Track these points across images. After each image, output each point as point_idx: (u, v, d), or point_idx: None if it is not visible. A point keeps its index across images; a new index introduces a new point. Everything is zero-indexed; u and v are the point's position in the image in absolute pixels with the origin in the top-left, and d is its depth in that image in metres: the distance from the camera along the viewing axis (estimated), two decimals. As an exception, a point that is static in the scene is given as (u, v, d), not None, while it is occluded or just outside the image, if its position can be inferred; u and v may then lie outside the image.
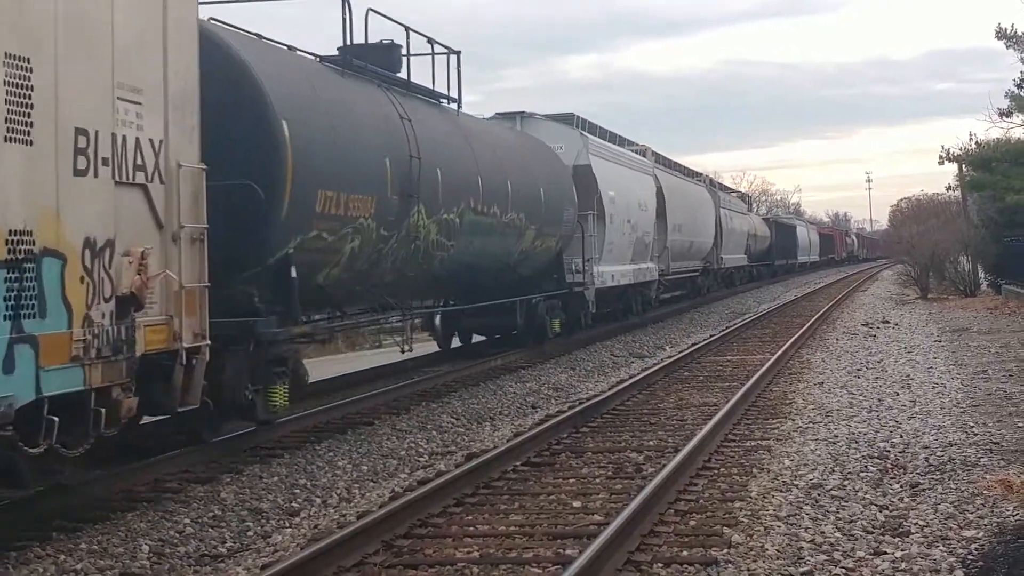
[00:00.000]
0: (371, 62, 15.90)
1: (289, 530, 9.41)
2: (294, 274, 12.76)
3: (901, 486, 9.69)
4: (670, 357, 21.53)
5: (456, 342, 23.39)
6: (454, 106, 19.11)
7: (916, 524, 8.43)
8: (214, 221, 10.27)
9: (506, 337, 22.72)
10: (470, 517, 9.23)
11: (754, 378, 16.62)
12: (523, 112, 25.26)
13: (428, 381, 17.54)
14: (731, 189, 64.85)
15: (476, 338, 24.16)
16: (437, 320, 22.29)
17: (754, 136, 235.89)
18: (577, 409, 14.27)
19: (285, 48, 14.59)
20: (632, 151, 32.88)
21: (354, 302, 16.23)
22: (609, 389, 16.67)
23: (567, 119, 26.86)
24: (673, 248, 35.27)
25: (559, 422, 13.26)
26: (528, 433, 12.56)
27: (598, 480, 10.57)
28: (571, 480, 10.60)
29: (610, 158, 28.06)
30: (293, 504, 10.25)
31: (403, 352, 17.63)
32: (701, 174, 49.81)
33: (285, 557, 7.99)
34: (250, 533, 9.32)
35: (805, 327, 26.65)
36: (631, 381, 17.30)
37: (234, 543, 9.02)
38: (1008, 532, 8.02)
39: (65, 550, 8.45)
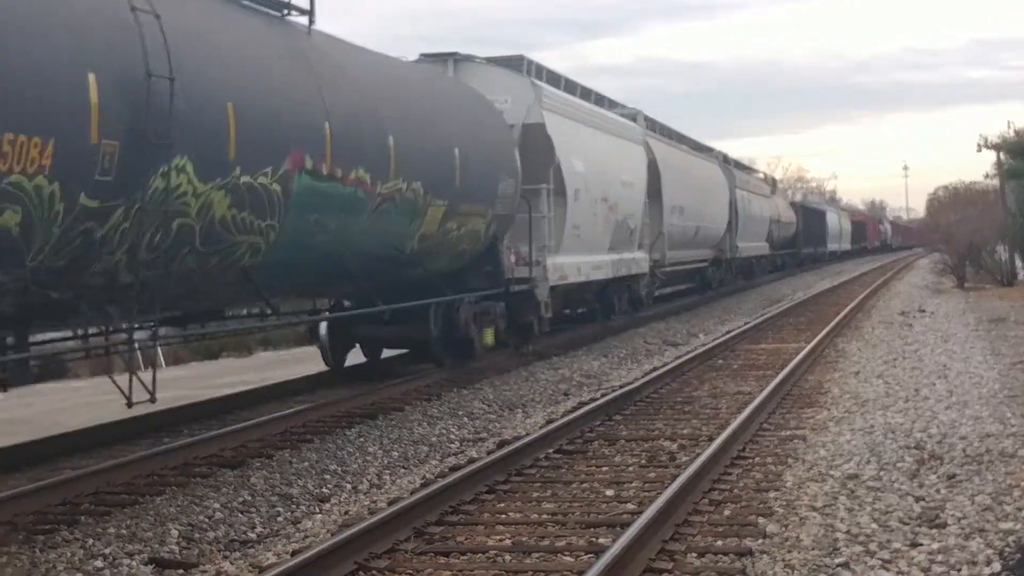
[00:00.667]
0: None
1: (319, 516, 9.38)
2: None
3: (938, 477, 9.55)
4: (704, 345, 21.39)
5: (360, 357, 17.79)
6: (304, 20, 13.08)
7: (953, 516, 8.30)
8: None
9: (423, 352, 17.31)
10: (502, 504, 9.16)
11: (789, 367, 16.48)
12: (456, 53, 19.52)
13: (458, 368, 17.45)
14: (751, 168, 56.15)
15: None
16: (323, 329, 16.83)
17: (787, 122, 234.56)
18: (610, 397, 14.18)
19: None
20: (619, 114, 26.81)
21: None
22: (642, 377, 16.57)
23: (513, 63, 20.54)
24: (672, 235, 29.78)
25: (592, 410, 13.18)
26: (560, 420, 12.48)
27: (631, 468, 10.48)
28: (604, 468, 10.52)
29: (577, 117, 22.02)
30: (323, 490, 10.21)
31: (129, 405, 10.03)
32: (713, 149, 42.12)
33: (316, 543, 7.94)
34: (280, 519, 9.29)
35: (841, 316, 26.44)
36: (664, 369, 17.19)
37: (264, 528, 8.99)
38: (1048, 525, 7.89)
39: (94, 534, 8.44)
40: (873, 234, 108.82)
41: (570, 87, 23.19)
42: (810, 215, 67.19)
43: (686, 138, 37.10)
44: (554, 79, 22.20)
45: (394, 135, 13.77)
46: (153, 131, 9.35)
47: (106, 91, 8.91)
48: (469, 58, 19.63)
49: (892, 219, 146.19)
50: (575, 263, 21.06)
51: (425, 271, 15.99)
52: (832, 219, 77.11)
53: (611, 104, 26.88)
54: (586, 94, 24.51)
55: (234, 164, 10.62)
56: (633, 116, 28.23)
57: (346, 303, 17.10)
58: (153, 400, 10.16)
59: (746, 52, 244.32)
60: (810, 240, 65.29)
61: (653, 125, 31.60)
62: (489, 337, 17.59)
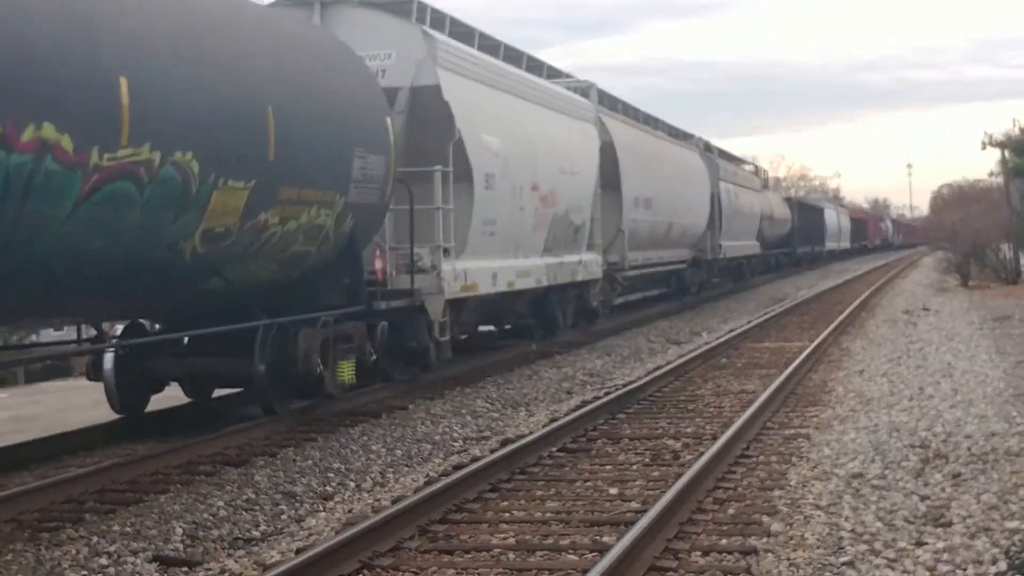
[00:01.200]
0: None
1: (323, 514, 9.37)
2: None
3: (943, 476, 9.53)
4: (707, 343, 21.38)
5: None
6: None
7: (958, 515, 8.28)
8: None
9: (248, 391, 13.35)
10: (506, 503, 9.16)
11: (793, 365, 16.47)
12: None
13: (461, 365, 17.43)
14: (739, 159, 47.94)
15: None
16: (108, 362, 12.35)
17: (790, 121, 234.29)
18: (613, 395, 14.17)
19: None
20: (565, 86, 21.77)
21: None
22: (646, 375, 16.56)
23: (399, 8, 15.67)
24: (635, 232, 25.42)
25: (595, 408, 13.17)
26: (564, 419, 12.47)
27: (635, 467, 10.47)
28: (608, 467, 10.51)
29: (493, 82, 17.17)
30: (327, 488, 10.21)
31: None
32: (693, 135, 36.41)
33: (320, 541, 7.94)
34: (284, 517, 9.29)
35: (844, 314, 26.42)
36: (668, 367, 17.18)
37: (268, 527, 8.99)
38: (1053, 524, 7.87)
39: (98, 532, 8.43)
40: (874, 232, 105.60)
41: (490, 47, 18.32)
42: (806, 212, 63.12)
43: (660, 121, 31.69)
44: (465, 33, 17.39)
45: (130, 76, 8.84)
46: None
47: None
48: (341, 0, 15.34)
49: (895, 217, 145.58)
50: (489, 269, 16.54)
51: (230, 283, 11.34)
52: (830, 216, 73.21)
53: (555, 74, 21.88)
54: (516, 57, 19.46)
55: None
56: (585, 90, 23.08)
57: (156, 326, 12.98)
58: None
59: (747, 50, 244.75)
60: (807, 238, 61.34)
61: (613, 103, 26.28)
62: (347, 372, 13.02)
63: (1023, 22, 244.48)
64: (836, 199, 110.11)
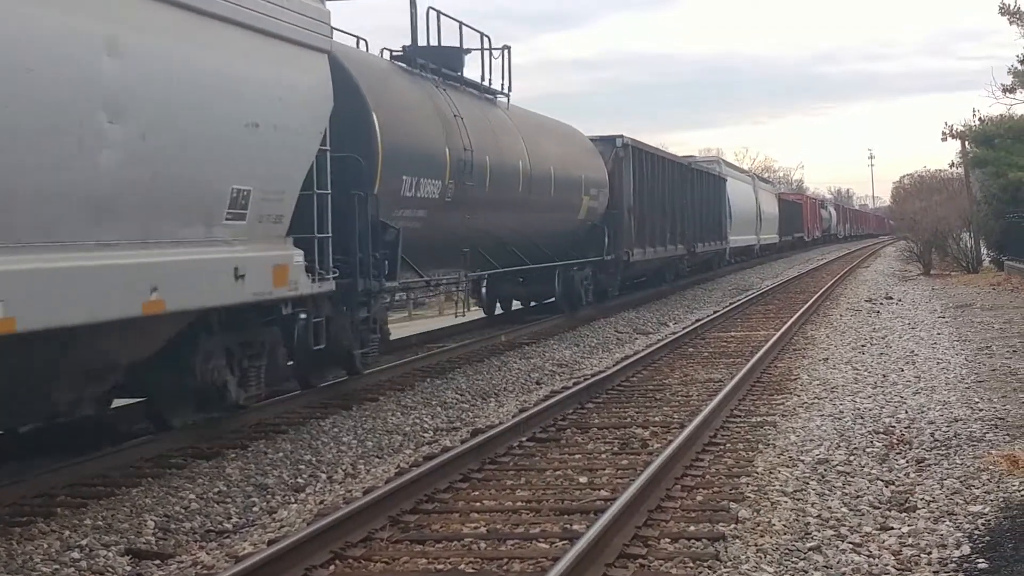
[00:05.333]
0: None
1: (295, 506, 9.41)
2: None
3: (907, 461, 9.68)
4: (674, 333, 21.51)
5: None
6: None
7: (922, 499, 8.42)
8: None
9: None
10: (476, 493, 9.23)
11: (759, 354, 16.61)
12: None
13: (432, 357, 17.50)
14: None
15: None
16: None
17: (751, 113, 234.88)
18: (582, 385, 14.26)
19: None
20: None
21: None
22: (614, 365, 16.66)
23: None
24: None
25: (564, 398, 13.25)
26: (533, 409, 12.55)
27: (604, 456, 10.56)
28: (577, 456, 10.59)
29: None
30: (298, 480, 10.25)
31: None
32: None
33: (291, 532, 7.98)
34: (256, 509, 9.32)
35: (808, 303, 26.62)
36: (635, 357, 17.29)
37: (240, 519, 9.03)
38: (1015, 507, 8.02)
39: (70, 526, 8.44)
40: (812, 221, 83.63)
41: None
42: (687, 180, 35.64)
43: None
44: None
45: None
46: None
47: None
48: None
49: (833, 201, 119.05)
50: None
51: None
52: (740, 193, 48.58)
53: None
54: None
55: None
56: None
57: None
58: None
59: (707, 43, 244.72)
60: (688, 228, 34.93)
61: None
62: None
63: (976, 15, 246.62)
64: (800, 190, 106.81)
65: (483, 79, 20.30)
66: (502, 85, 20.98)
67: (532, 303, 26.03)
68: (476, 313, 24.62)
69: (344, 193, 12.96)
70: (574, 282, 24.44)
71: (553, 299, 24.40)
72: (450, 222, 17.21)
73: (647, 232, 29.58)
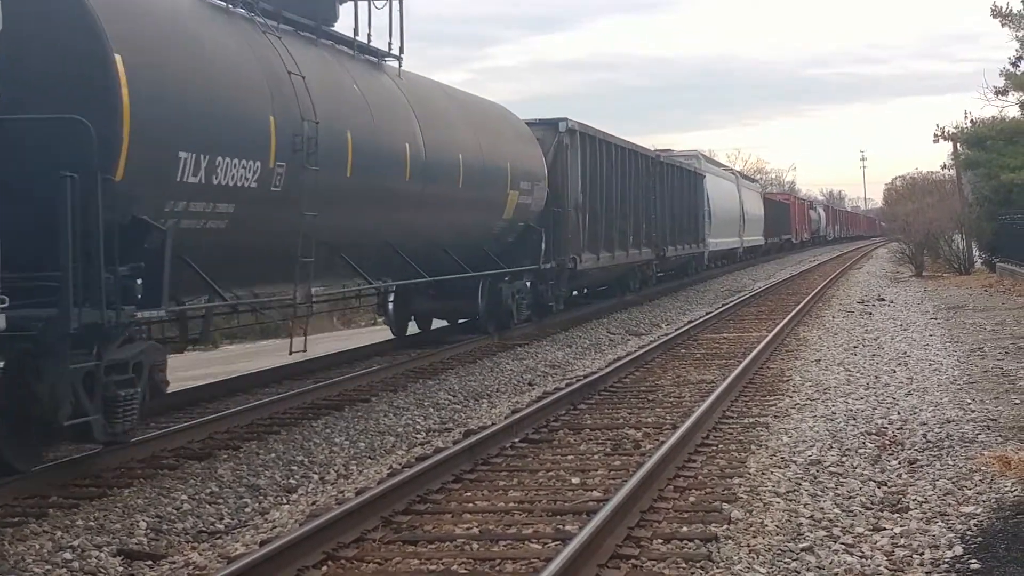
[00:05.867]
0: None
1: (287, 507, 9.40)
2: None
3: (899, 462, 9.69)
4: (666, 335, 21.51)
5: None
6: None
7: (915, 500, 8.43)
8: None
9: None
10: (469, 493, 9.22)
11: (751, 355, 16.61)
12: None
13: (425, 359, 17.48)
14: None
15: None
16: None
17: (744, 115, 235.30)
18: (575, 386, 14.26)
19: None
20: None
21: None
22: (606, 366, 16.66)
23: None
24: None
25: (557, 399, 13.25)
26: (526, 410, 12.54)
27: (597, 457, 10.56)
28: (570, 457, 10.59)
29: None
30: (291, 481, 10.23)
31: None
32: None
33: (284, 533, 7.97)
34: (248, 510, 9.31)
35: (801, 305, 26.63)
36: (628, 358, 17.28)
37: (232, 519, 9.01)
38: (1007, 508, 8.03)
39: (62, 526, 8.43)
40: (800, 223, 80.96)
41: None
42: (660, 175, 32.57)
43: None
44: None
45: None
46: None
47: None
48: None
49: (823, 202, 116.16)
50: None
51: None
52: (721, 190, 45.04)
53: None
54: None
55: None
56: None
57: None
58: None
59: (700, 46, 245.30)
60: (656, 229, 31.61)
61: None
62: None
63: (969, 18, 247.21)
64: (792, 191, 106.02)
65: (356, 34, 15.71)
66: (390, 46, 16.55)
67: (461, 320, 21.63)
68: (381, 332, 21.85)
69: (48, 176, 8.97)
70: (502, 296, 20.31)
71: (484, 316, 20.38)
72: (279, 221, 12.54)
73: (601, 234, 25.55)
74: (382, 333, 21.27)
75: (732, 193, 49.35)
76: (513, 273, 20.81)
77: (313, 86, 13.09)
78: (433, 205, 16.91)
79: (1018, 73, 38.17)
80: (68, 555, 7.86)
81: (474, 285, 19.61)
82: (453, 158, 17.58)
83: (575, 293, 27.85)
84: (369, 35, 15.99)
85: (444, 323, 22.04)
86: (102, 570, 7.68)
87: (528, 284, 21.65)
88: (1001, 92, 38.93)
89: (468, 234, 19.10)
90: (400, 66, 16.81)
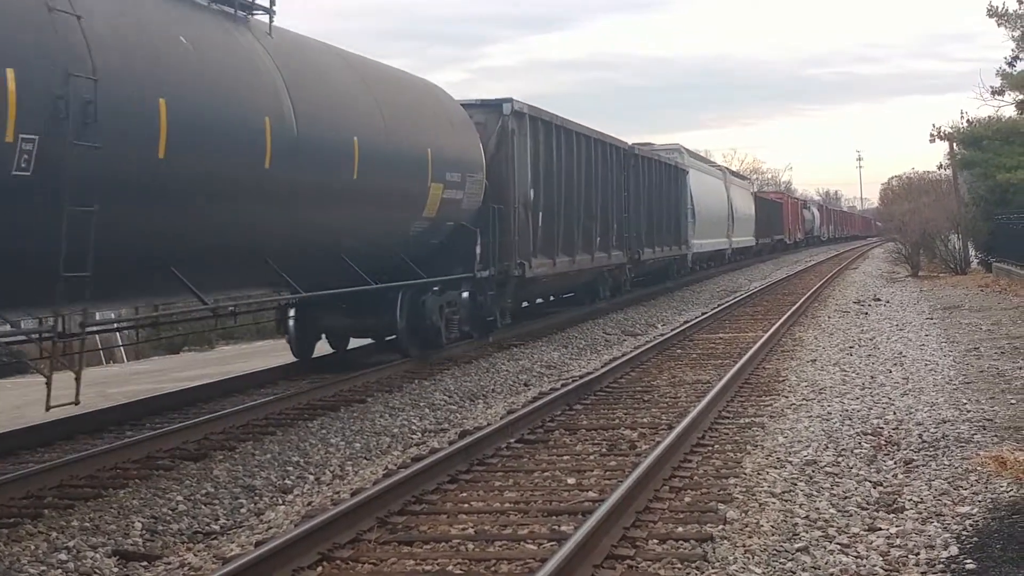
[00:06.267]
0: None
1: (283, 507, 9.40)
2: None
3: (895, 462, 9.69)
4: (662, 335, 21.51)
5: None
6: None
7: (910, 500, 8.43)
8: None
9: None
10: (464, 494, 9.21)
11: (747, 355, 16.61)
12: None
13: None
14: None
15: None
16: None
17: (740, 114, 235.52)
18: (570, 387, 14.25)
19: None
20: None
21: None
22: (602, 366, 16.65)
23: None
24: None
25: (552, 399, 13.24)
26: (521, 410, 12.54)
27: (592, 457, 10.55)
28: (565, 457, 10.58)
29: None
30: (286, 481, 10.23)
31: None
32: None
33: (279, 534, 7.97)
34: (243, 510, 9.30)
35: (796, 305, 26.64)
36: (624, 358, 17.28)
37: (227, 520, 9.00)
38: (1002, 508, 8.03)
39: (57, 527, 8.42)
40: (794, 222, 78.47)
41: None
42: (633, 167, 29.68)
43: None
44: None
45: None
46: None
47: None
48: None
49: (817, 202, 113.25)
50: None
51: None
52: (706, 188, 42.33)
53: None
54: None
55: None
56: None
57: None
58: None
59: (697, 46, 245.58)
60: (630, 229, 28.85)
61: None
62: None
63: (965, 18, 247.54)
64: (789, 191, 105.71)
65: None
66: None
67: (388, 337, 17.78)
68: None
69: None
70: (426, 310, 17.00)
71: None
72: (28, 218, 9.01)
73: (559, 236, 22.36)
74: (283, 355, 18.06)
75: (719, 191, 46.95)
76: (445, 283, 17.62)
77: (96, 31, 9.66)
78: (313, 198, 13.34)
79: (1014, 73, 38.22)
80: (63, 556, 7.85)
81: (393, 297, 16.47)
82: (343, 139, 13.88)
83: (537, 302, 25.56)
84: None
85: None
86: (97, 571, 7.68)
87: (465, 295, 18.47)
88: (997, 92, 39.01)
89: (373, 237, 15.49)
90: (271, 21, 13.38)
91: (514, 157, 19.73)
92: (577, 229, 23.69)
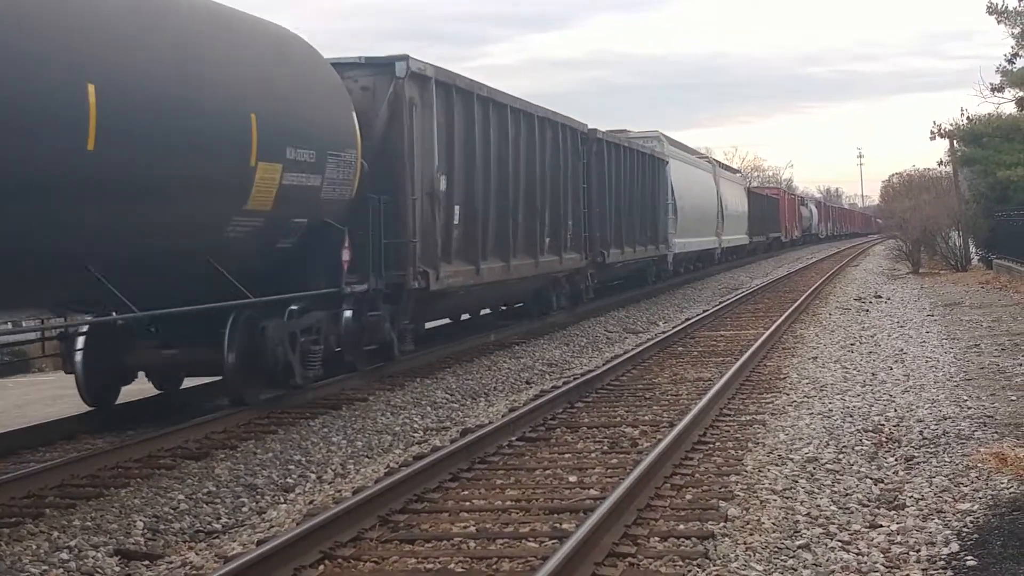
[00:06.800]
0: None
1: (284, 506, 9.40)
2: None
3: (896, 459, 9.70)
4: (664, 332, 21.52)
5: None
6: None
7: (911, 497, 8.43)
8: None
9: None
10: (466, 492, 9.22)
11: (748, 352, 16.62)
12: None
13: (422, 357, 17.45)
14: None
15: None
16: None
17: (739, 113, 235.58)
18: (572, 384, 14.26)
19: None
20: None
21: None
22: (603, 364, 16.65)
23: None
24: None
25: (554, 397, 13.25)
26: (523, 408, 12.54)
27: (594, 455, 10.56)
28: (567, 455, 10.59)
29: None
30: (288, 480, 10.23)
31: None
32: None
33: (281, 532, 7.97)
34: (245, 509, 9.31)
35: (798, 302, 26.64)
36: (625, 356, 17.28)
37: (229, 519, 9.01)
38: (1003, 504, 8.03)
39: (59, 526, 8.42)
40: (791, 219, 74.61)
41: None
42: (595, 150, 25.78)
43: None
44: None
45: None
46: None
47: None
48: None
49: (813, 198, 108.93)
50: None
51: None
52: (690, 181, 38.62)
53: None
54: None
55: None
56: None
57: None
58: None
59: (695, 44, 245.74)
60: (591, 226, 24.97)
61: None
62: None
63: (964, 15, 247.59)
64: (790, 188, 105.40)
65: None
66: None
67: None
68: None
69: None
70: (265, 338, 12.54)
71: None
72: None
73: (485, 236, 18.06)
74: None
75: (707, 184, 43.00)
76: (295, 301, 13.15)
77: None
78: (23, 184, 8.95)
79: (1014, 70, 38.19)
80: (65, 555, 7.86)
81: (220, 323, 12.11)
82: (71, 90, 9.26)
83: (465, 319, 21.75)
84: None
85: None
86: (99, 570, 7.68)
87: (341, 316, 14.16)
88: (997, 89, 38.98)
89: (146, 239, 10.81)
90: None
91: (410, 132, 15.35)
92: (513, 227, 19.35)
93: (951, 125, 42.11)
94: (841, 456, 9.89)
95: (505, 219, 19.05)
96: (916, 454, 9.83)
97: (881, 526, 7.72)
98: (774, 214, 66.89)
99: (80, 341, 12.42)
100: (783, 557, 7.12)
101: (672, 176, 34.41)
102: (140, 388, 13.50)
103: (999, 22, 37.33)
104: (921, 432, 10.69)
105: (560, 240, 22.24)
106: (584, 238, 24.12)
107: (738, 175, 60.85)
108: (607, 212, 26.30)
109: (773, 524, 7.83)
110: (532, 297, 22.74)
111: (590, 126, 24.08)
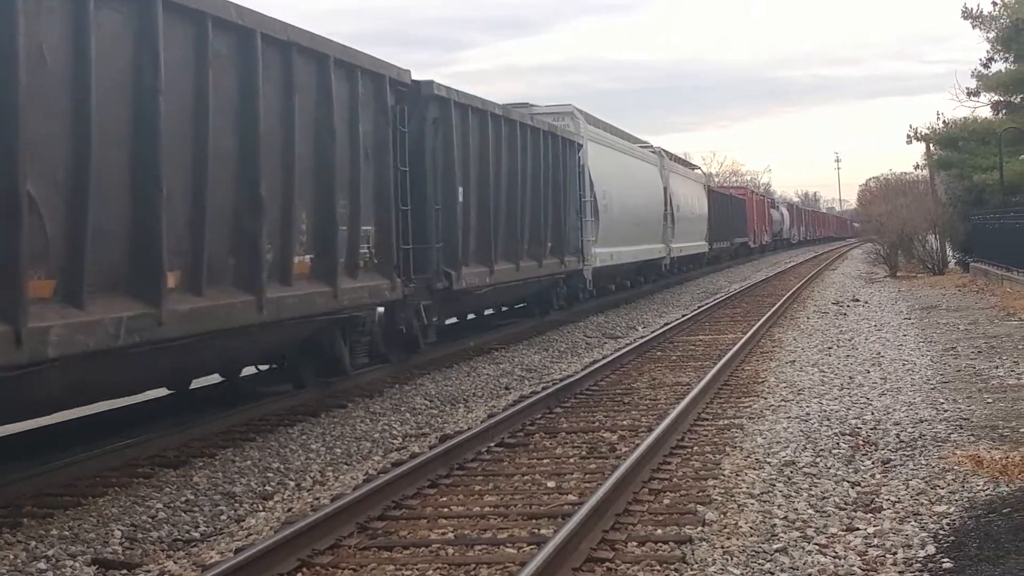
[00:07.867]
0: None
1: (263, 514, 9.38)
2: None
3: (873, 462, 9.75)
4: (642, 337, 21.55)
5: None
6: None
7: (888, 500, 8.48)
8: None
9: None
10: (445, 499, 9.22)
11: (726, 357, 16.66)
12: None
13: (401, 364, 17.44)
14: None
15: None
16: None
17: (716, 117, 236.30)
18: (551, 390, 14.27)
19: None
20: None
21: None
22: (582, 369, 16.67)
23: None
24: None
25: (533, 403, 13.26)
26: (502, 414, 12.55)
27: (572, 460, 10.57)
28: (545, 461, 10.60)
29: None
30: (266, 488, 10.21)
31: None
32: None
33: (259, 540, 7.95)
34: (223, 517, 9.28)
35: (776, 306, 26.72)
36: (604, 361, 17.31)
37: (207, 527, 8.99)
38: (979, 507, 8.08)
39: (36, 536, 8.39)
40: (760, 223, 68.11)
41: None
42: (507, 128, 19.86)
43: None
44: None
45: None
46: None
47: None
48: None
49: (785, 202, 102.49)
50: None
51: None
52: (622, 172, 31.01)
53: None
54: None
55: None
56: None
57: None
58: None
59: (671, 48, 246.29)
60: (439, 233, 16.92)
61: None
62: None
63: (939, 19, 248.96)
64: (768, 192, 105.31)
65: None
66: None
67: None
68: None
69: None
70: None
71: None
72: None
73: (200, 252, 10.56)
74: None
75: (648, 179, 34.76)
76: None
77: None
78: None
79: (989, 74, 38.47)
80: (42, 565, 7.82)
81: None
82: None
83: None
84: None
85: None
86: (77, 580, 7.65)
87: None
88: (973, 93, 39.34)
89: None
90: None
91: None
92: (252, 240, 11.40)
93: (928, 129, 42.44)
94: (818, 459, 9.93)
95: (244, 227, 9.26)
96: (893, 457, 9.88)
97: (858, 529, 7.76)
98: (740, 217, 60.25)
99: None
100: (760, 561, 7.15)
101: (591, 165, 26.40)
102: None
103: (974, 27, 37.65)
104: (898, 435, 10.75)
105: (357, 260, 13.94)
106: (407, 255, 15.49)
107: (696, 171, 51.65)
108: (460, 213, 17.83)
109: (750, 528, 7.86)
110: (303, 354, 14.40)
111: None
